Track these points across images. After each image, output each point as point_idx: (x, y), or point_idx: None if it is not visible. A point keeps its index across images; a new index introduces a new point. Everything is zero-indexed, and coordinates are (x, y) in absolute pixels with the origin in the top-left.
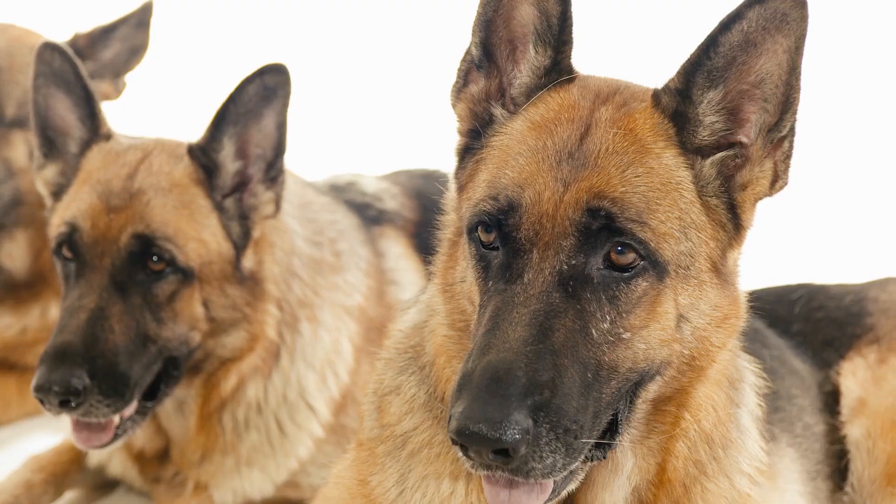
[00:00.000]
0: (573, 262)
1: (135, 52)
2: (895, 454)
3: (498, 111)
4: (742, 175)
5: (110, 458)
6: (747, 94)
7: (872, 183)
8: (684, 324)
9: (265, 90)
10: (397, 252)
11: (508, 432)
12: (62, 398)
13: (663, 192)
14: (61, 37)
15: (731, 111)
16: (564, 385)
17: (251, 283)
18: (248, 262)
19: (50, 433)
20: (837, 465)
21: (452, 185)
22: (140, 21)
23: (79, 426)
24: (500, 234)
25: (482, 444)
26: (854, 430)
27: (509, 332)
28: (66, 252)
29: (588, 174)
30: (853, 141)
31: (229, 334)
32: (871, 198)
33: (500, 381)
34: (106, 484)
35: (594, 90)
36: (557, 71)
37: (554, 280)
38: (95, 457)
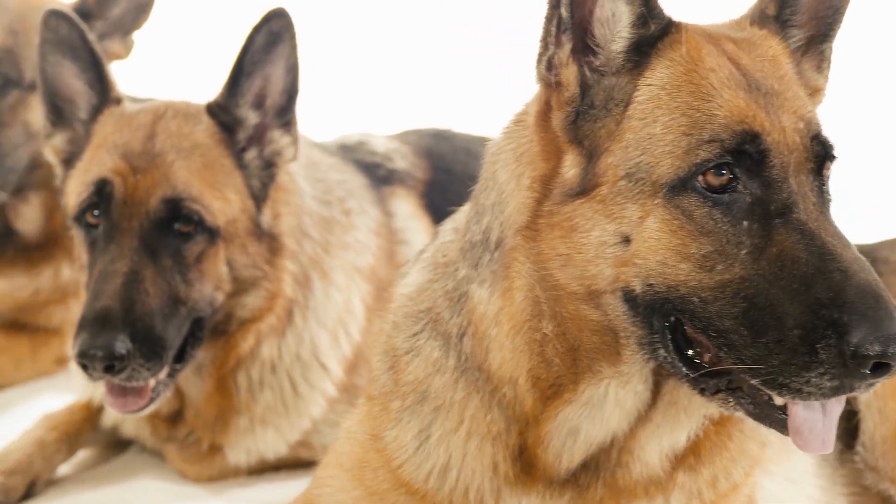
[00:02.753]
0: (816, 184)
1: (142, 9)
2: None
3: (604, 70)
4: None
5: (124, 418)
6: None
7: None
8: None
9: (271, 36)
10: (407, 212)
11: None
12: (107, 363)
13: None
14: None
15: None
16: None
17: (269, 239)
18: (266, 217)
19: (62, 393)
20: (847, 425)
21: (540, 163)
22: None
23: (115, 392)
24: (744, 170)
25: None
26: None
27: (843, 253)
28: (90, 218)
29: (780, 102)
30: (860, 98)
31: (249, 294)
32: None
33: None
34: (119, 443)
35: (699, 28)
36: (655, 17)
37: (819, 200)
38: (110, 417)
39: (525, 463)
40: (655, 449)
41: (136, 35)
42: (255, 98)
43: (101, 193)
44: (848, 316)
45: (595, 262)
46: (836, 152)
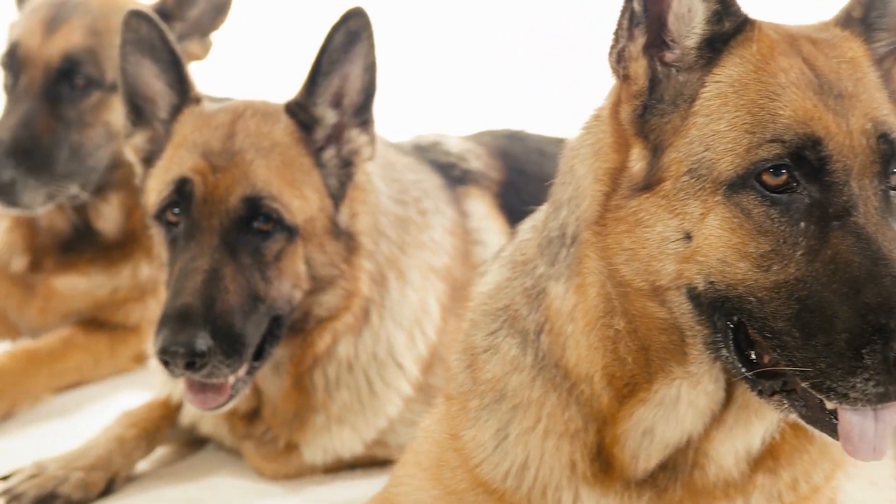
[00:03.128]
0: (883, 186)
1: (219, 10)
2: None
3: (674, 65)
4: None
5: (201, 416)
6: None
7: None
8: None
9: (349, 35)
10: (482, 212)
11: None
12: (188, 360)
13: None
14: None
15: None
16: None
17: (346, 238)
18: (343, 216)
19: (140, 390)
20: None
21: (611, 154)
22: None
23: (195, 388)
24: (804, 172)
25: None
26: None
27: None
28: (170, 216)
29: (852, 104)
30: None
31: (326, 292)
32: None
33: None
34: (196, 441)
35: (773, 28)
36: (730, 14)
37: (881, 205)
38: (188, 415)
39: (603, 462)
40: (730, 450)
41: (214, 36)
42: (333, 97)
43: (182, 192)
44: (895, 322)
45: (658, 258)
46: None
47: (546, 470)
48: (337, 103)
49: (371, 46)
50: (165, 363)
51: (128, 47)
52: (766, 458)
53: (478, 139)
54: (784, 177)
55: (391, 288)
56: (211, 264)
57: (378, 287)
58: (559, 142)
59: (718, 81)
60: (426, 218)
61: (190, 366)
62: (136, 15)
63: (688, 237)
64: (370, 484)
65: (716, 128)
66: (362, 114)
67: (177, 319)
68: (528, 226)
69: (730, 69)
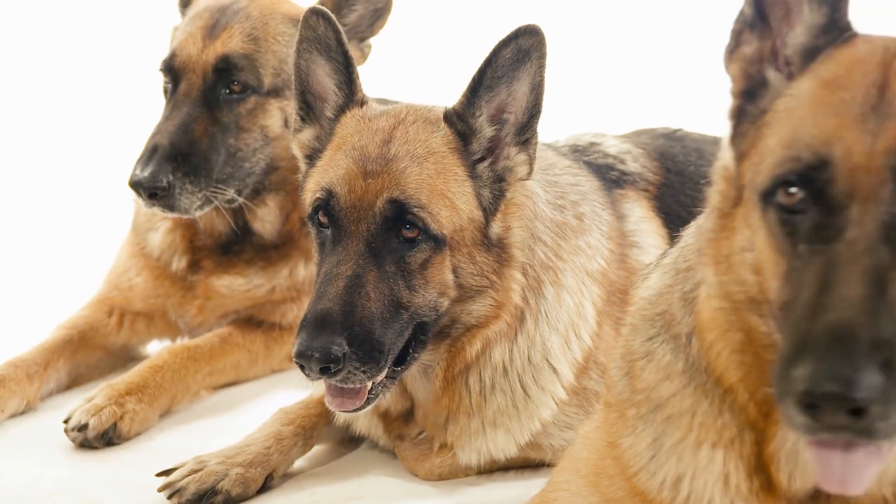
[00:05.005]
0: (894, 210)
1: (378, 15)
2: None
3: (772, 74)
4: None
5: (356, 416)
6: None
7: None
8: None
9: (519, 52)
10: (639, 215)
11: (862, 389)
12: (323, 365)
13: None
14: (306, 3)
15: None
16: None
17: (497, 250)
18: (495, 228)
19: (295, 388)
20: None
21: (726, 153)
22: None
23: (334, 391)
24: (810, 193)
25: (837, 403)
26: None
27: (845, 291)
28: (321, 218)
29: (894, 124)
30: None
31: (475, 301)
32: None
33: (845, 340)
34: (351, 439)
35: (882, 45)
36: (835, 29)
37: (879, 233)
38: (342, 415)
39: (764, 478)
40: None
41: (374, 41)
42: (494, 111)
43: (331, 196)
44: (806, 351)
45: (741, 266)
46: None
47: (700, 483)
48: (497, 119)
49: (541, 67)
50: (301, 367)
51: (304, 44)
52: None
53: (635, 139)
54: (796, 197)
55: (547, 293)
56: (354, 270)
57: (533, 293)
58: (718, 141)
59: (790, 95)
60: (583, 222)
61: (325, 371)
62: (316, 13)
63: (752, 248)
64: (524, 486)
65: (770, 141)
66: (523, 133)
67: (315, 324)
68: (691, 230)
69: (804, 83)
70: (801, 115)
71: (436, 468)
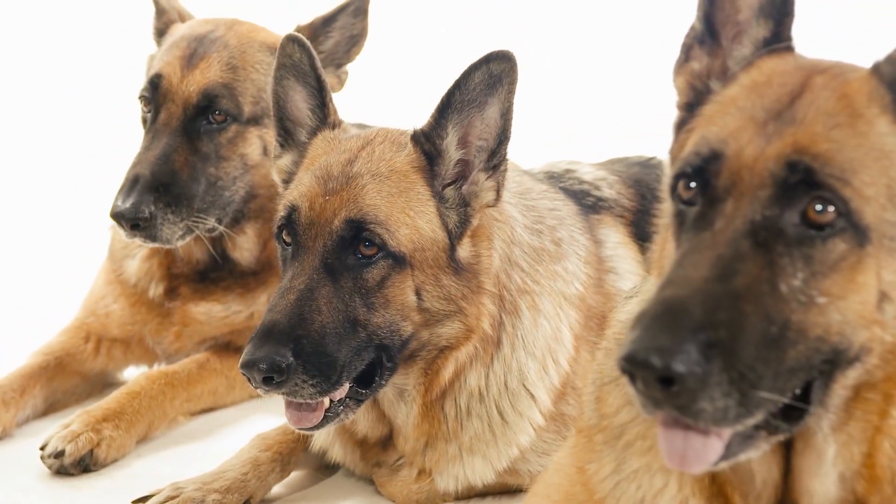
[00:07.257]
0: (767, 212)
1: (354, 42)
2: None
3: (715, 85)
4: None
5: (332, 442)
6: None
7: None
8: (888, 304)
9: (490, 78)
10: (615, 240)
11: (676, 360)
12: (265, 374)
13: (872, 157)
14: (283, 30)
15: None
16: (743, 330)
17: (468, 276)
18: (463, 252)
19: (273, 414)
20: None
21: (668, 168)
22: (357, 9)
23: (290, 405)
24: (700, 185)
25: (648, 371)
26: None
27: (690, 272)
28: (285, 237)
29: (793, 131)
30: None
31: (444, 325)
32: None
33: (673, 314)
34: (328, 466)
35: (811, 62)
36: (777, 41)
37: (745, 228)
38: (318, 441)
39: (723, 501)
40: (824, 485)
41: (350, 67)
42: (463, 135)
43: (293, 212)
44: (637, 322)
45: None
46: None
47: None
48: (466, 142)
49: (511, 92)
50: (248, 378)
51: (281, 70)
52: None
53: (610, 167)
54: (693, 190)
55: (523, 318)
56: (307, 284)
57: (509, 317)
58: None
59: (715, 101)
60: (561, 247)
61: (268, 381)
62: (292, 40)
63: None
64: None
65: (689, 144)
66: (492, 158)
67: (261, 335)
68: None
69: (730, 89)
70: (715, 116)
71: (413, 494)
